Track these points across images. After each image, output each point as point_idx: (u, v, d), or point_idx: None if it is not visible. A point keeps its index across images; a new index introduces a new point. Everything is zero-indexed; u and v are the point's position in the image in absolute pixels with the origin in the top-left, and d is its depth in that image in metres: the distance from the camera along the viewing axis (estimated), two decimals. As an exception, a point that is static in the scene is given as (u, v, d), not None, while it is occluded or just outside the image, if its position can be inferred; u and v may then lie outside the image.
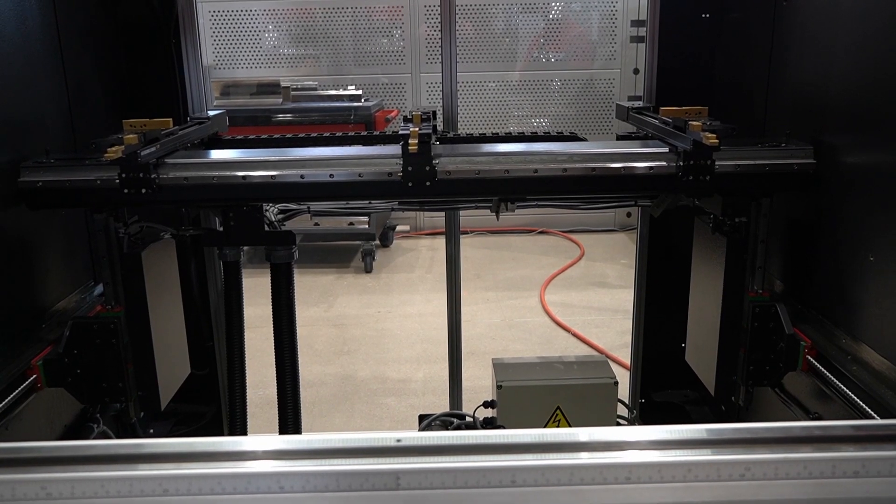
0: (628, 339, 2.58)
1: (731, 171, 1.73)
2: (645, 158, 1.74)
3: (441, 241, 5.10)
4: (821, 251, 1.72)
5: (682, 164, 1.71)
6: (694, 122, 1.70)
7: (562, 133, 2.14)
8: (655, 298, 2.34)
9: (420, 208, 2.12)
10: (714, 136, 1.62)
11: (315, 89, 4.58)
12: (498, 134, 2.15)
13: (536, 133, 2.14)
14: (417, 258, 4.89)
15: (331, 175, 1.72)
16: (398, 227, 5.21)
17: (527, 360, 2.19)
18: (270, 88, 4.36)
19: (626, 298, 3.99)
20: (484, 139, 2.10)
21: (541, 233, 5.32)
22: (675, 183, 1.73)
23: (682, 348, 2.26)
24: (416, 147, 1.68)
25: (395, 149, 1.75)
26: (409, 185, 1.71)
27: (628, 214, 5.29)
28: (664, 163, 1.73)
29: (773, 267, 1.92)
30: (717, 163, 1.71)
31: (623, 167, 1.72)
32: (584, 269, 4.62)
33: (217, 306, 2.29)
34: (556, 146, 1.85)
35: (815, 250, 1.74)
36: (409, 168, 1.70)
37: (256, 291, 3.84)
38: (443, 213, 2.37)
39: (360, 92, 4.41)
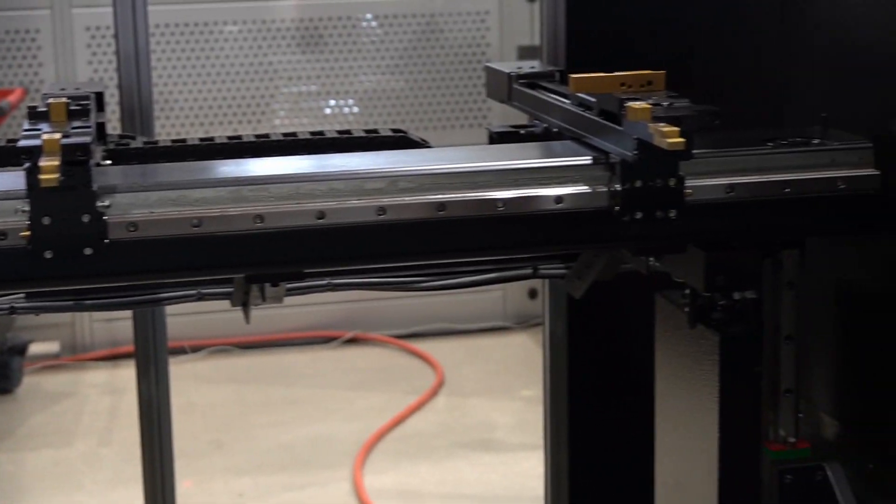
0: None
1: (718, 201, 1.85)
2: (546, 180, 1.83)
3: (129, 373, 4.90)
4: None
5: (618, 188, 1.81)
6: (636, 104, 1.77)
7: (374, 132, 2.18)
8: (591, 465, 2.41)
9: (76, 305, 2.12)
10: (675, 129, 1.69)
11: None
12: (239, 138, 2.17)
13: (323, 134, 2.18)
14: (80, 414, 4.76)
15: None
16: (34, 348, 5.10)
17: None
18: None
19: (533, 471, 3.98)
20: (209, 149, 2.13)
21: (350, 342, 5.34)
22: (609, 228, 1.82)
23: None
24: (55, 176, 1.66)
25: (13, 180, 1.75)
26: (48, 257, 1.72)
27: (532, 295, 5.43)
28: (585, 188, 1.83)
29: (817, 389, 2.04)
30: (688, 183, 1.81)
31: (503, 199, 1.81)
32: (446, 415, 4.65)
33: None
34: (366, 160, 1.90)
35: None
36: (46, 221, 1.70)
37: None
38: (130, 314, 2.38)
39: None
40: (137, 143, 2.17)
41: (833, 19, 2.02)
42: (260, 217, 1.77)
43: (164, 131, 5.07)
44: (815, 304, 2.03)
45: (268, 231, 1.78)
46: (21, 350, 4.91)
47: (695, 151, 1.77)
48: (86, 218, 1.71)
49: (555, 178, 1.83)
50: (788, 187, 1.88)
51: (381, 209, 1.79)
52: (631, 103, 1.78)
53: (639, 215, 1.81)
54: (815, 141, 1.93)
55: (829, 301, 2.04)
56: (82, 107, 1.90)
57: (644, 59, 2.03)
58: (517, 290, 5.34)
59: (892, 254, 1.89)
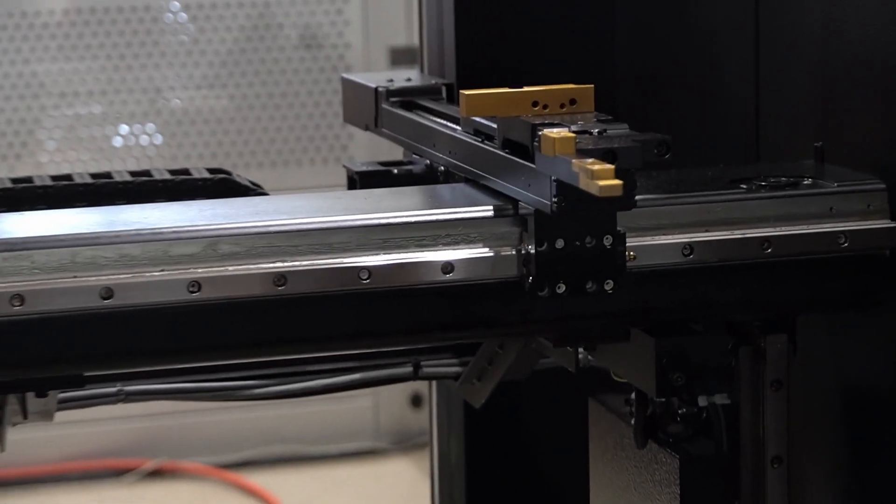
0: None
1: (672, 267, 1.79)
2: (430, 240, 1.77)
3: None
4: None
5: (532, 250, 1.72)
6: (554, 132, 1.68)
7: (185, 173, 2.15)
8: None
9: None
10: (610, 167, 1.59)
11: None
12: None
13: (111, 176, 2.15)
14: None
15: None
16: None
17: None
18: None
19: None
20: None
21: (154, 474, 5.16)
22: (519, 307, 1.76)
23: None
24: None
25: None
26: None
27: (415, 402, 5.34)
28: (485, 250, 1.75)
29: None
30: (630, 243, 1.75)
31: (369, 268, 1.75)
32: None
33: None
34: (173, 213, 1.84)
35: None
36: None
37: None
38: None
39: None
40: None
41: (826, 14, 1.95)
42: (19, 297, 1.71)
43: None
44: (812, 409, 1.96)
45: (30, 317, 1.71)
46: None
47: (638, 198, 1.68)
48: None
49: (442, 238, 1.78)
50: (770, 246, 1.81)
51: (195, 284, 1.73)
52: (547, 131, 1.69)
53: (561, 289, 1.74)
54: (807, 181, 1.85)
55: (830, 405, 1.96)
56: None
57: (563, 69, 2.03)
58: (393, 397, 5.23)
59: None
